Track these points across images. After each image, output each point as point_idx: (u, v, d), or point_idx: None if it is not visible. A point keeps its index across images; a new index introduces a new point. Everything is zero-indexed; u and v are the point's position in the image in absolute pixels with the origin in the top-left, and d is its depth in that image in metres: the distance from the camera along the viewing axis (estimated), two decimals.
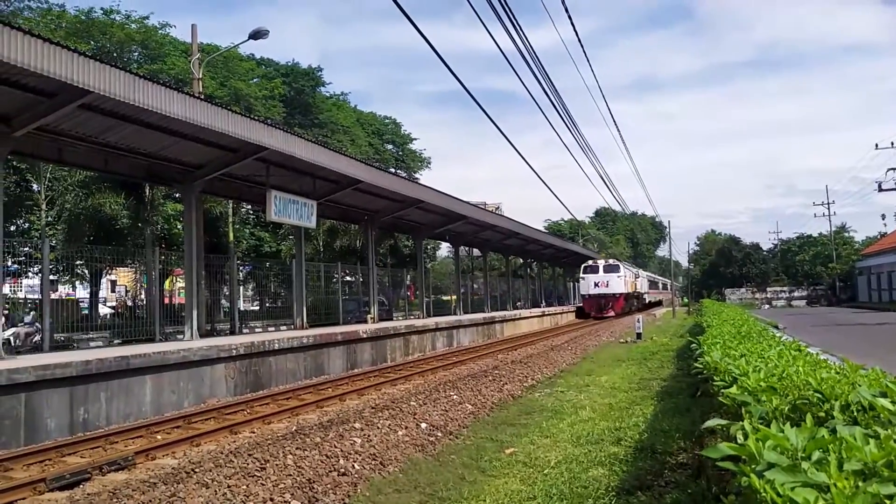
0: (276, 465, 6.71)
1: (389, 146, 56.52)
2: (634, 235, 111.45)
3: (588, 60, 16.78)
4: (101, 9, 33.68)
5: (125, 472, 6.63)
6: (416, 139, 59.29)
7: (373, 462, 7.01)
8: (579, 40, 14.09)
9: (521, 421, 9.28)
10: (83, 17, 32.80)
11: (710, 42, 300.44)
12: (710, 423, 3.05)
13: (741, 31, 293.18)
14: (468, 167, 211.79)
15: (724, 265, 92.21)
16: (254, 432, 8.65)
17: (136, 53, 34.56)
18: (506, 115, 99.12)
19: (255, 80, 40.13)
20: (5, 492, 6.00)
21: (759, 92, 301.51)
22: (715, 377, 4.47)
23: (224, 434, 8.72)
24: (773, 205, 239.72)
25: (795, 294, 79.16)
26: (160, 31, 35.56)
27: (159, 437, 8.81)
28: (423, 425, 8.79)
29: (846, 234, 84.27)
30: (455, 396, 11.03)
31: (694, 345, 7.57)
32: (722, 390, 3.71)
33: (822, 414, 3.04)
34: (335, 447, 7.42)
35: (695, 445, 6.81)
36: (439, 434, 8.41)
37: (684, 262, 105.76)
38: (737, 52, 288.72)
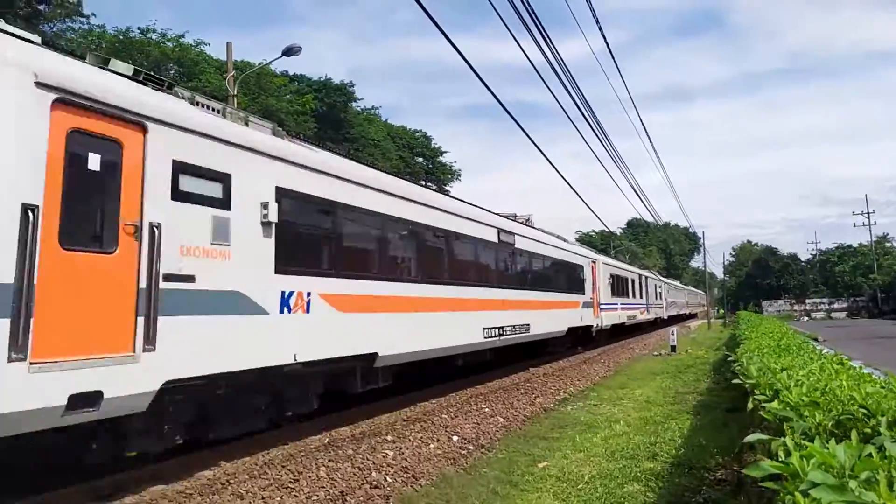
0: (310, 477, 6.75)
1: (420, 159, 56.87)
2: (668, 246, 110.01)
3: (619, 70, 16.75)
4: (139, 28, 34.66)
5: (162, 482, 6.71)
6: (446, 152, 59.63)
7: (405, 475, 6.99)
8: (610, 51, 14.05)
9: (554, 434, 9.18)
10: (121, 37, 33.79)
11: (741, 51, 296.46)
12: (751, 437, 2.97)
13: (772, 40, 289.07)
14: (496, 178, 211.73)
15: (761, 276, 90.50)
16: (286, 444, 8.68)
17: (173, 71, 35.42)
18: (532, 127, 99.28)
19: (287, 95, 40.76)
20: (46, 501, 6.11)
21: (791, 101, 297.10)
22: (755, 391, 4.37)
23: (258, 445, 8.77)
24: (809, 215, 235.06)
25: (835, 306, 77.22)
26: (195, 49, 36.44)
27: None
28: (455, 438, 8.75)
29: (888, 244, 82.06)
30: (487, 409, 10.97)
31: (732, 358, 7.41)
32: (763, 405, 3.62)
33: (868, 430, 2.95)
34: (367, 460, 7.43)
35: (734, 461, 6.66)
36: (471, 447, 8.36)
37: (719, 274, 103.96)
38: (768, 60, 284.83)
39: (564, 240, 22.84)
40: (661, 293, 46.03)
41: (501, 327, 14.49)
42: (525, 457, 7.90)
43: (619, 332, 30.79)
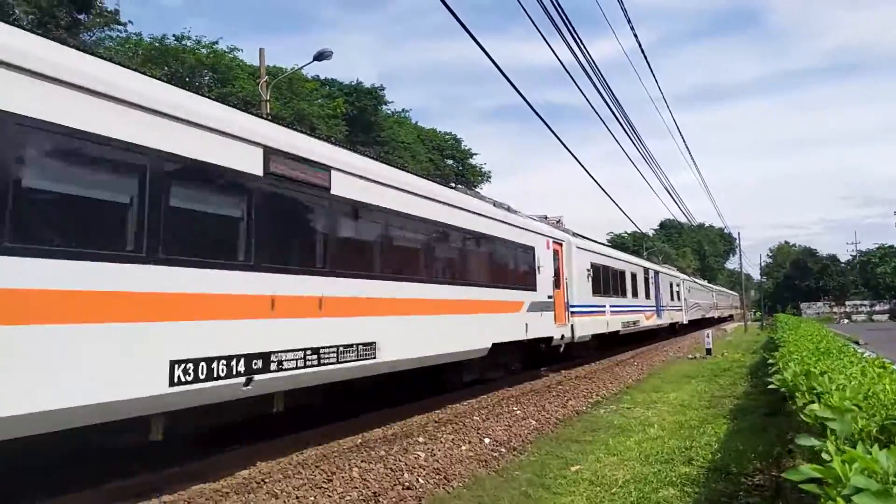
0: (343, 477, 6.81)
1: (450, 161, 56.95)
2: (702, 248, 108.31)
3: (651, 70, 16.57)
4: (174, 35, 35.38)
5: (199, 481, 6.84)
6: (476, 154, 59.64)
7: (437, 476, 7.01)
8: (642, 51, 13.95)
9: (587, 438, 9.11)
10: (157, 44, 34.52)
11: (778, 50, 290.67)
12: (802, 440, 2.90)
13: (810, 38, 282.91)
14: (526, 180, 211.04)
15: (800, 278, 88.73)
16: (320, 444, 8.78)
17: (207, 77, 36.03)
18: (562, 129, 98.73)
19: (319, 100, 41.18)
20: (84, 497, 6.26)
21: (831, 99, 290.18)
22: (795, 395, 4.29)
23: (292, 445, 8.88)
24: (850, 215, 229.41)
25: (877, 308, 75.21)
26: (228, 55, 37.03)
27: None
28: (487, 440, 8.74)
29: None
30: (518, 412, 10.94)
31: (770, 361, 7.29)
32: (804, 409, 3.55)
33: None
34: (399, 461, 7.47)
35: (772, 466, 6.54)
36: (503, 450, 8.34)
37: (755, 275, 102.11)
38: (806, 59, 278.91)
39: (500, 205, 14.93)
40: (678, 293, 37.48)
41: (262, 356, 7.07)
42: (557, 460, 7.85)
43: (612, 343, 23.18)
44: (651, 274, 29.95)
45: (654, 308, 29.90)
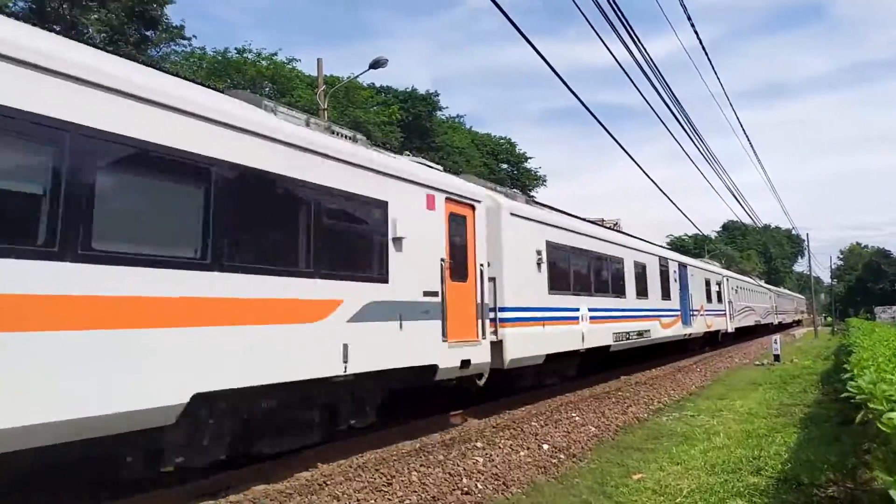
0: (402, 481, 6.86)
1: (505, 165, 56.82)
2: (767, 250, 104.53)
3: (713, 67, 16.15)
4: (235, 48, 36.58)
5: (264, 482, 7.01)
6: (531, 158, 59.29)
7: (495, 482, 6.99)
8: (703, 47, 13.60)
9: (648, 446, 8.91)
10: (219, 58, 35.76)
11: (844, 42, 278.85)
12: None
13: (877, 29, 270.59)
14: (583, 183, 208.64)
15: (873, 281, 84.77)
16: (379, 447, 8.87)
17: (267, 89, 37.05)
18: (618, 129, 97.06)
19: (374, 107, 41.77)
20: (150, 499, 6.49)
21: None
22: (870, 403, 4.10)
23: (352, 448, 8.99)
24: None
25: None
26: (287, 66, 38.00)
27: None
28: (545, 446, 8.66)
29: None
30: (577, 418, 10.80)
31: (845, 365, 6.99)
32: (881, 417, 3.39)
33: None
34: (458, 465, 7.49)
35: (846, 478, 6.26)
36: (562, 456, 8.25)
37: (825, 278, 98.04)
38: (873, 51, 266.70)
39: (322, 125, 8.49)
40: (719, 293, 29.25)
41: None
42: (618, 468, 7.71)
43: (609, 362, 17.18)
44: (673, 266, 22.58)
45: (678, 312, 22.29)
